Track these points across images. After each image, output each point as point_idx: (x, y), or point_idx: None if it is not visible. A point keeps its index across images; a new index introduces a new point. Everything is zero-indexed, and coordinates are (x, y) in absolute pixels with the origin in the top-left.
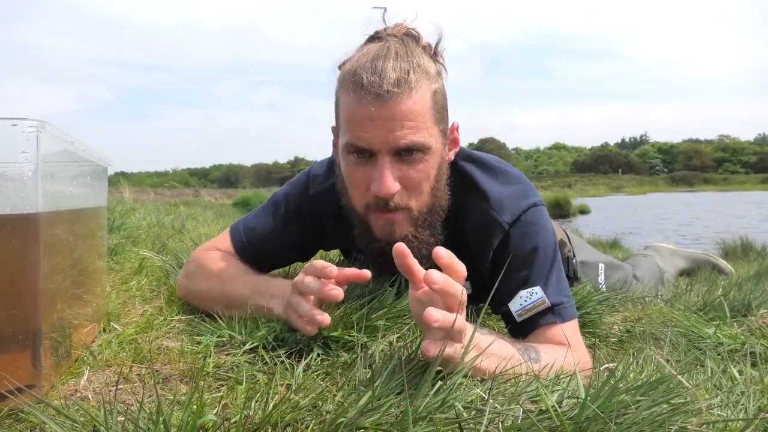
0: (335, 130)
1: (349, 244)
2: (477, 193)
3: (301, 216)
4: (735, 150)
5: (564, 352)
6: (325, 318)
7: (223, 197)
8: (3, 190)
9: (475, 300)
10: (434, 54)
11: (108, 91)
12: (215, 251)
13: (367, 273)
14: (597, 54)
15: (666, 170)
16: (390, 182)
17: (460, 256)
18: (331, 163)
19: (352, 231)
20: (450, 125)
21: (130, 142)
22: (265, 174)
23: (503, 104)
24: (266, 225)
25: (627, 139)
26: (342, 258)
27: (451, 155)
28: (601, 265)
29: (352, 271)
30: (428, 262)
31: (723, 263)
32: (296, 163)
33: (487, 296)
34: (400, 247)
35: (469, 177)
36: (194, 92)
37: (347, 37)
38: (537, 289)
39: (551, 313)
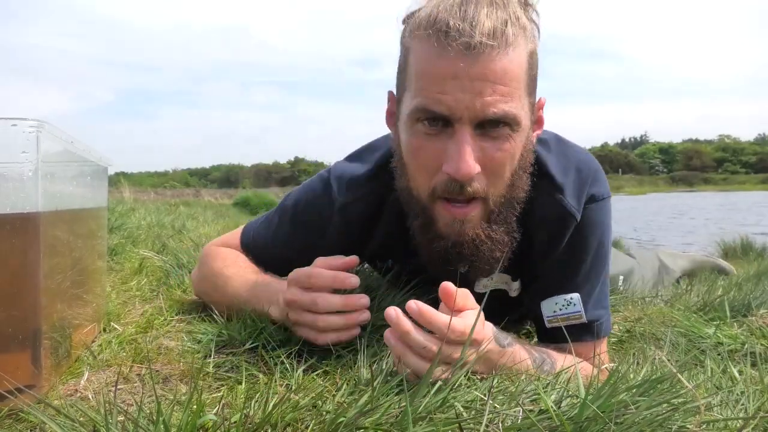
0: (393, 97)
1: (385, 252)
2: (550, 181)
3: (314, 230)
4: (735, 150)
5: (585, 369)
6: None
7: (223, 197)
8: (3, 190)
9: (518, 302)
10: (530, 12)
11: (108, 91)
12: (223, 248)
13: (353, 259)
14: (597, 54)
15: (666, 170)
16: (471, 160)
17: (520, 256)
18: (371, 168)
19: (391, 237)
20: (537, 100)
21: (130, 142)
22: (265, 174)
23: None
24: (274, 236)
25: (627, 139)
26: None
27: (534, 137)
28: (621, 277)
29: (340, 262)
30: (498, 264)
31: (724, 263)
32: (296, 163)
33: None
34: (447, 287)
35: (540, 159)
36: (193, 92)
37: (342, 35)
38: (576, 298)
39: (585, 331)
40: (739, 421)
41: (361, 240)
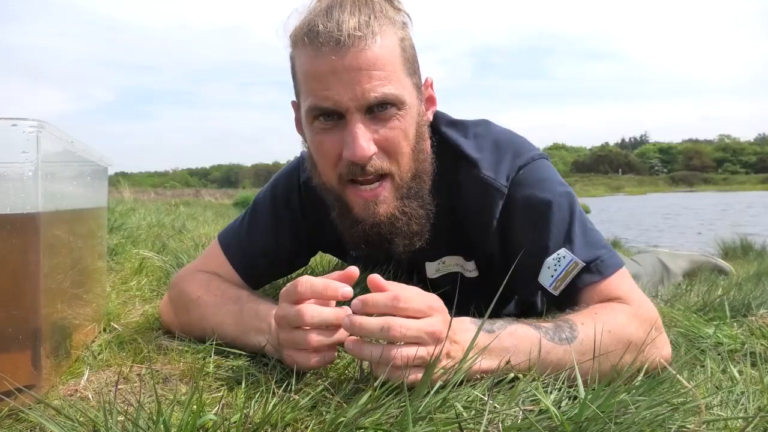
0: (296, 105)
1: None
2: (466, 161)
3: (292, 209)
4: (735, 150)
5: (612, 311)
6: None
7: (223, 197)
8: (3, 190)
9: (488, 286)
10: (395, 4)
11: (108, 91)
12: (198, 274)
13: (353, 270)
14: (596, 54)
15: (666, 170)
16: (365, 142)
17: (460, 235)
18: None
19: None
20: (423, 81)
21: (130, 142)
22: (265, 174)
23: (502, 105)
24: (256, 225)
25: (627, 139)
26: (339, 263)
27: (429, 115)
28: None
29: (335, 276)
30: (420, 238)
31: (723, 263)
32: None
33: (502, 279)
34: (375, 279)
35: (454, 144)
36: (193, 92)
37: None
38: (563, 251)
39: (589, 272)
40: (739, 421)
41: (322, 222)
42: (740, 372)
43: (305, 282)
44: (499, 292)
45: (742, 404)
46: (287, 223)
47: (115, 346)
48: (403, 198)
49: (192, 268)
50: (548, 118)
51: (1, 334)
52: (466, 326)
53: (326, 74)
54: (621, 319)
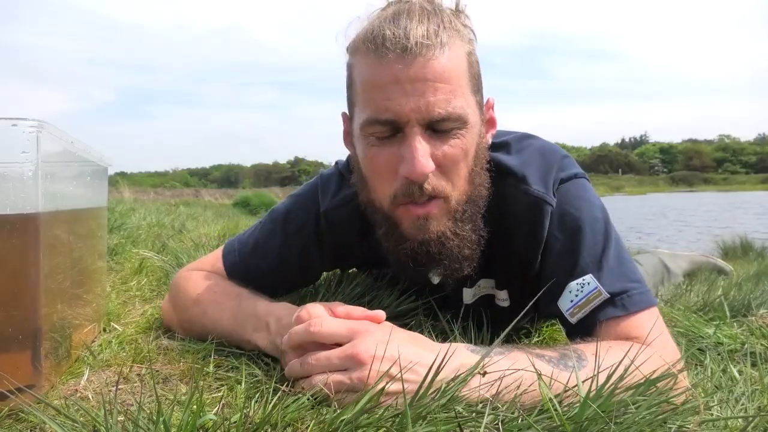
0: (347, 117)
1: (373, 259)
2: (511, 177)
3: (305, 236)
4: (735, 150)
5: (628, 348)
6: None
7: (223, 197)
8: (3, 190)
9: (518, 313)
10: (463, 19)
11: (108, 91)
12: (197, 272)
13: (380, 314)
14: (596, 54)
15: (666, 170)
16: (424, 158)
17: (508, 261)
18: (342, 171)
19: (379, 246)
20: (485, 100)
21: (130, 142)
22: (265, 174)
23: (502, 105)
24: (263, 244)
25: (627, 139)
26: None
27: (489, 138)
28: None
29: (359, 314)
30: (470, 264)
31: (722, 263)
32: (296, 163)
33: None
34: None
35: (497, 161)
36: (193, 92)
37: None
38: (588, 278)
39: (612, 306)
40: (739, 420)
41: (348, 247)
42: (740, 372)
43: (317, 326)
44: (521, 314)
45: (742, 404)
46: (297, 252)
47: (115, 346)
48: (456, 220)
49: (192, 267)
50: (548, 118)
51: (1, 334)
52: (460, 351)
53: (389, 83)
54: (641, 358)
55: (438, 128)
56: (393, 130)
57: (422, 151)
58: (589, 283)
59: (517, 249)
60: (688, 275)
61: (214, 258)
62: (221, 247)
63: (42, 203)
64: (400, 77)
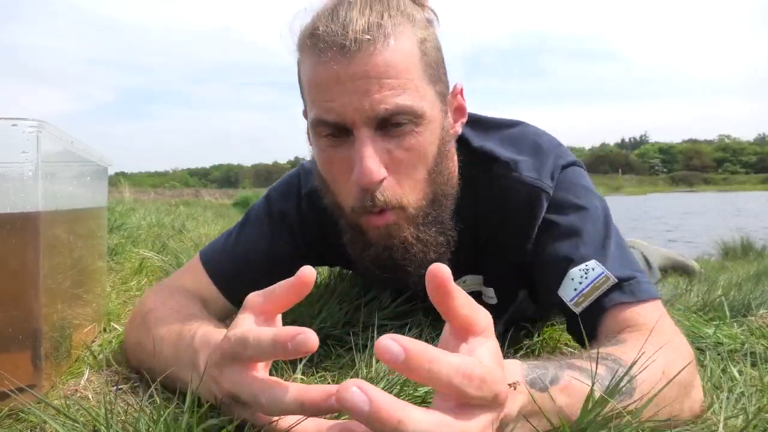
0: (306, 113)
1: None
2: (498, 164)
3: (288, 221)
4: (735, 150)
5: (655, 345)
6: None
7: (223, 197)
8: (3, 190)
9: (507, 311)
10: (419, 1)
11: (108, 91)
12: (163, 288)
13: (308, 274)
14: (596, 54)
15: (666, 170)
16: (373, 164)
17: (487, 254)
18: None
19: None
20: (451, 88)
21: (130, 142)
22: (265, 174)
23: (501, 105)
24: (247, 237)
25: (627, 139)
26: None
27: (458, 128)
28: None
29: (283, 289)
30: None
31: (691, 262)
32: (296, 162)
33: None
34: (435, 270)
35: (487, 151)
36: (193, 92)
37: None
38: (593, 263)
39: (620, 291)
40: (739, 420)
41: (328, 235)
42: (740, 372)
43: (256, 339)
44: (512, 308)
45: (742, 404)
46: (283, 239)
47: (116, 346)
48: (418, 225)
49: (163, 283)
50: (547, 118)
51: (1, 334)
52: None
53: (330, 83)
54: (669, 356)
55: (390, 127)
56: (342, 132)
57: (370, 158)
58: (594, 269)
59: (510, 241)
60: (662, 270)
61: (190, 266)
62: (196, 256)
63: (42, 203)
64: (341, 76)
